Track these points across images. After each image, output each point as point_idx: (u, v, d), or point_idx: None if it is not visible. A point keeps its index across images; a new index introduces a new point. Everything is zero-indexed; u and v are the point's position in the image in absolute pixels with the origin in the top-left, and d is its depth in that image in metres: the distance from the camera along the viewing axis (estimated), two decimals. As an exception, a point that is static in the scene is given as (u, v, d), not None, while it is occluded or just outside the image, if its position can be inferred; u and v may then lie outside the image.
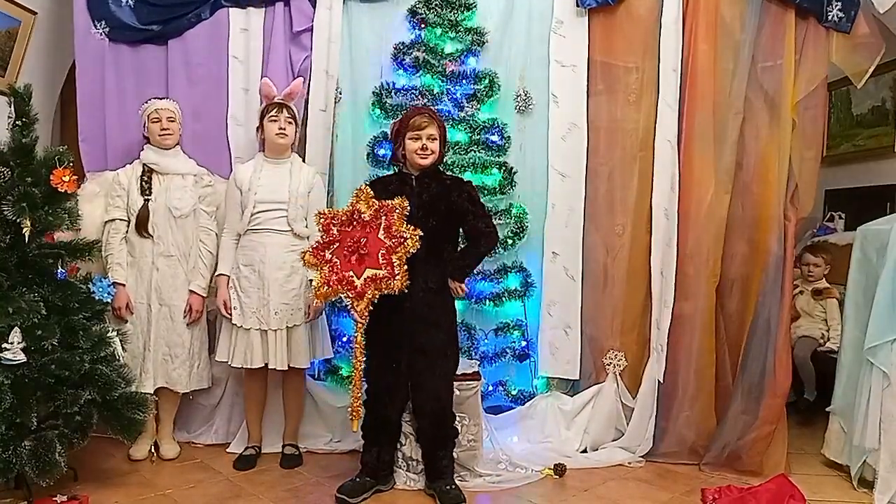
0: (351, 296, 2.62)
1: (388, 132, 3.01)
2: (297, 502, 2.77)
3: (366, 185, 2.76)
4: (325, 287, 2.64)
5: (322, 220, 2.68)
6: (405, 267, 2.57)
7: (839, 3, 3.19)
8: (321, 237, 2.69)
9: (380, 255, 2.58)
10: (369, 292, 2.59)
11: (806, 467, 3.24)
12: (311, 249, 2.69)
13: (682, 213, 3.29)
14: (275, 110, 3.07)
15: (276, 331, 3.02)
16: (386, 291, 2.58)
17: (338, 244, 2.66)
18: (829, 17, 3.21)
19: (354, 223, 2.64)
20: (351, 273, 2.62)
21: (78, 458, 2.80)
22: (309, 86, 3.39)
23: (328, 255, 2.66)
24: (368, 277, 2.59)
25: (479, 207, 2.89)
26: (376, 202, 2.63)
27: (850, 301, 3.22)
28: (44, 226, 2.66)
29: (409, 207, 2.60)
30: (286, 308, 3.04)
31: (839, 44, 3.26)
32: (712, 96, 3.28)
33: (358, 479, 2.80)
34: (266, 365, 3.04)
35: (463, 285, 2.85)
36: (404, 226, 2.58)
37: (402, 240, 2.58)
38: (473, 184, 2.99)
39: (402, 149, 2.82)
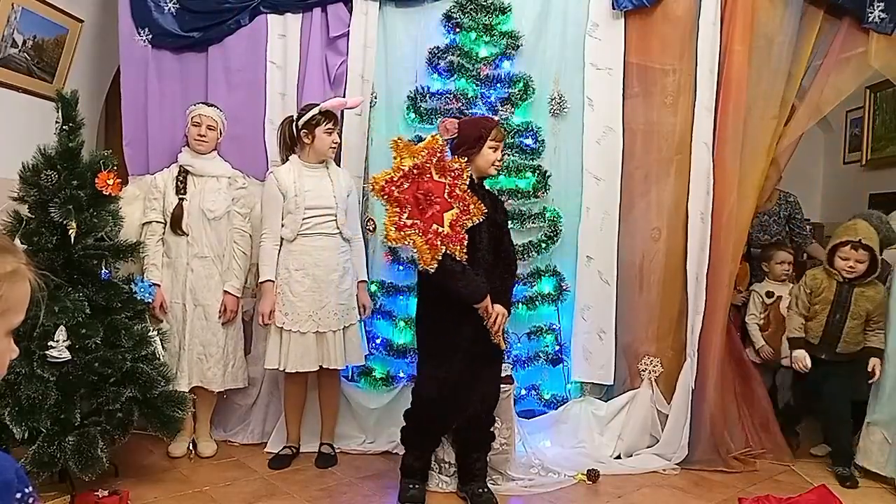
0: (451, 246, 2.54)
1: (458, 134, 2.78)
2: (330, 502, 2.80)
3: (399, 136, 2.69)
4: (430, 250, 2.51)
5: (378, 186, 2.54)
6: (467, 190, 2.58)
7: (881, 4, 3.11)
8: (389, 206, 2.55)
9: (444, 194, 2.56)
10: (460, 230, 2.56)
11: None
12: (391, 225, 2.52)
13: (716, 216, 3.25)
14: (331, 123, 3.09)
15: (334, 332, 3.07)
16: (470, 223, 2.57)
17: (408, 207, 2.54)
18: (871, 19, 3.13)
19: (412, 178, 2.55)
20: (435, 226, 2.53)
21: (119, 454, 2.87)
22: (345, 90, 3.44)
23: (408, 222, 2.53)
24: (452, 220, 2.56)
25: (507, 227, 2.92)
26: (414, 145, 2.60)
27: (894, 309, 3.13)
28: (89, 227, 2.73)
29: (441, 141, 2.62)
30: (343, 308, 3.10)
31: (879, 46, 3.17)
32: (744, 99, 3.22)
33: (418, 487, 2.79)
34: (320, 367, 3.08)
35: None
36: (447, 158, 2.60)
37: (455, 171, 2.58)
38: None
39: (476, 153, 2.73)
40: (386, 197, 2.53)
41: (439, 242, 2.52)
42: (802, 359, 3.18)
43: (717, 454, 3.23)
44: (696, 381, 3.24)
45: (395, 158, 2.58)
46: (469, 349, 2.69)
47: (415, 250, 2.55)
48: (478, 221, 2.59)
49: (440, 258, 2.52)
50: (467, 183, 2.61)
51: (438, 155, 2.58)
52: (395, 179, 2.54)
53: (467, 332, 2.67)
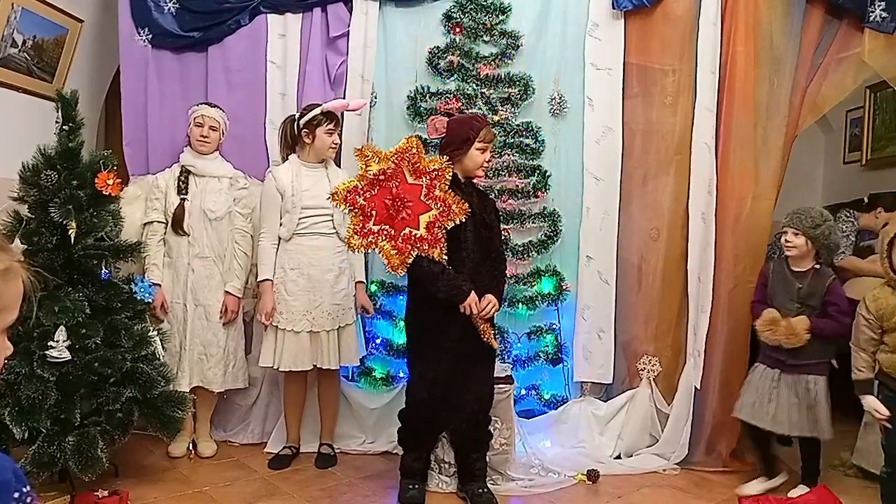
0: (426, 248, 2.53)
1: (445, 132, 2.76)
2: (330, 502, 2.80)
3: (364, 144, 2.68)
4: (398, 255, 2.51)
5: (339, 196, 2.54)
6: (449, 190, 2.56)
7: (882, 3, 3.10)
8: (351, 215, 2.56)
9: (421, 196, 2.52)
10: (439, 231, 2.53)
11: (846, 479, 3.17)
12: (353, 233, 2.55)
13: (720, 218, 3.24)
14: (332, 123, 3.09)
15: (328, 332, 3.07)
16: (451, 223, 2.54)
17: (374, 213, 2.53)
18: (872, 18, 3.11)
19: (379, 184, 2.54)
20: (408, 229, 2.52)
21: (119, 454, 2.87)
22: (345, 90, 3.44)
23: (374, 228, 2.53)
24: (430, 221, 2.52)
25: (499, 226, 2.91)
26: (383, 151, 2.58)
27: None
28: (89, 227, 2.73)
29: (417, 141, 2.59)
30: (337, 308, 3.09)
31: (875, 45, 3.14)
32: (750, 100, 3.22)
33: (417, 487, 2.79)
34: (314, 366, 3.07)
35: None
36: (425, 159, 2.55)
37: (434, 172, 2.53)
38: None
39: (462, 154, 2.69)
40: (349, 206, 2.54)
41: (411, 246, 2.51)
42: (876, 408, 2.46)
43: (717, 454, 3.23)
44: (700, 381, 3.24)
45: (361, 167, 2.57)
46: (455, 349, 2.68)
47: (382, 256, 2.56)
48: (459, 221, 2.56)
49: (411, 261, 2.52)
50: (448, 183, 2.58)
51: (410, 157, 2.54)
52: (359, 188, 2.54)
53: (453, 332, 2.67)
